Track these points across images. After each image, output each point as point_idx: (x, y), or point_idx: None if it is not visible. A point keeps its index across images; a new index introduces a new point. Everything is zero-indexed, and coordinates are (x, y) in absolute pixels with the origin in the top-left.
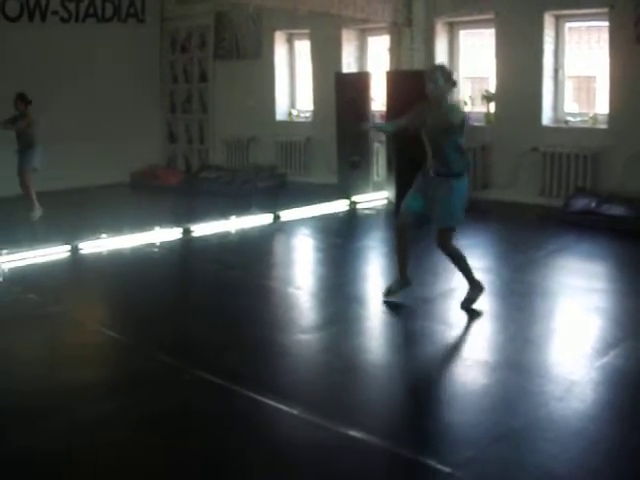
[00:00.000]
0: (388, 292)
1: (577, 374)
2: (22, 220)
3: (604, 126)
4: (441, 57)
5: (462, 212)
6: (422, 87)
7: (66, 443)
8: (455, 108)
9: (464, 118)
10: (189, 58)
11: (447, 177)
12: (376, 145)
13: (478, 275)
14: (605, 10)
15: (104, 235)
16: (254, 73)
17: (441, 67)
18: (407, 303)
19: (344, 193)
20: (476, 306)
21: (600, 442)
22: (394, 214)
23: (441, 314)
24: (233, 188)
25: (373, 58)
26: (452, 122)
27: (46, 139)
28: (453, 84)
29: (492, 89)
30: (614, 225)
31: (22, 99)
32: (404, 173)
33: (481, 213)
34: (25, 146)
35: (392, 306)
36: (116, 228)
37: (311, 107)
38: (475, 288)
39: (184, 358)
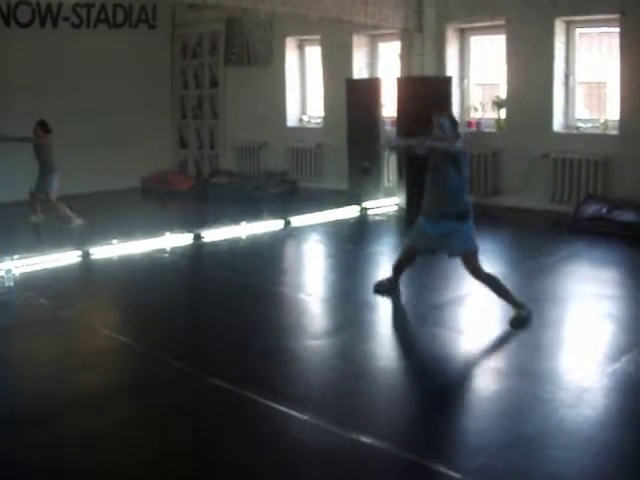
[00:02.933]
0: (378, 285)
1: (588, 381)
2: (34, 225)
3: (615, 132)
4: (452, 63)
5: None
6: (432, 93)
7: (77, 451)
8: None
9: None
10: (200, 64)
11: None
12: (387, 151)
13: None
14: (616, 16)
15: (115, 240)
16: (265, 79)
17: (449, 114)
18: (418, 309)
19: (355, 199)
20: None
21: (611, 449)
22: (404, 220)
23: (452, 320)
24: (244, 194)
25: (384, 64)
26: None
27: (57, 145)
28: (458, 135)
29: (503, 95)
30: (625, 231)
31: (42, 127)
32: (415, 179)
33: (492, 219)
34: (44, 170)
35: (403, 312)
36: (127, 233)
37: (322, 113)
38: (520, 308)
39: (195, 364)
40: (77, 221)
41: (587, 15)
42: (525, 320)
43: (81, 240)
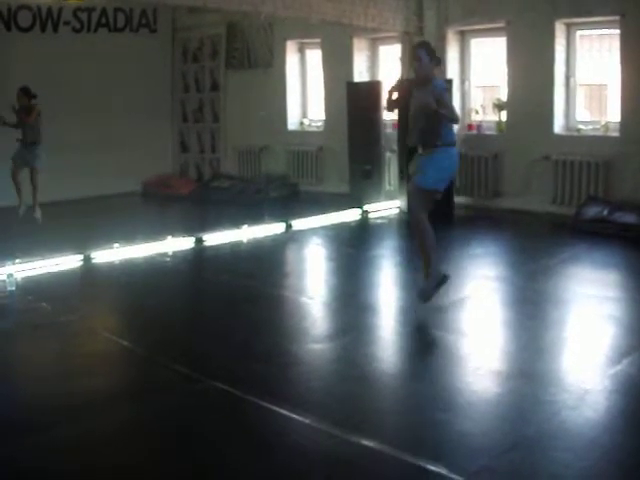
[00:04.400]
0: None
1: (590, 383)
2: (35, 229)
3: (616, 134)
4: (452, 66)
5: (440, 178)
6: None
7: (78, 454)
8: (439, 83)
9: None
10: (201, 67)
11: (431, 148)
12: (388, 154)
13: (490, 283)
14: (616, 18)
15: (116, 244)
16: (266, 82)
17: (426, 44)
18: (419, 312)
19: (356, 202)
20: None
21: (613, 451)
22: (406, 223)
23: (453, 323)
24: (245, 197)
25: (384, 67)
26: (439, 97)
27: (58, 149)
28: (438, 61)
29: (503, 97)
30: (626, 233)
31: (26, 93)
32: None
33: (493, 221)
34: (32, 141)
35: (404, 315)
36: (128, 237)
37: (323, 116)
38: (431, 280)
39: (196, 367)
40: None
41: (587, 17)
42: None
43: (84, 243)
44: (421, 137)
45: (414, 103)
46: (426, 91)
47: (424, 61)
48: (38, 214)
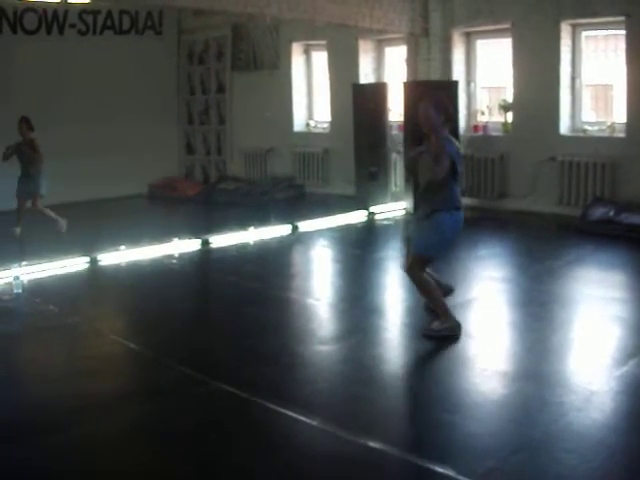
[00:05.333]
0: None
1: (597, 384)
2: (41, 232)
3: (622, 134)
4: (458, 67)
5: (440, 246)
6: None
7: (85, 455)
8: (449, 140)
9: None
10: (206, 70)
11: (435, 212)
12: (394, 156)
13: (497, 284)
14: (622, 18)
15: (123, 247)
16: (271, 84)
17: (436, 102)
18: (425, 313)
19: (362, 204)
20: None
21: (620, 452)
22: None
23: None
24: (251, 199)
25: (390, 69)
26: (445, 154)
27: (64, 152)
28: (447, 120)
29: (509, 98)
30: (632, 234)
31: (27, 123)
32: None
33: (499, 223)
34: (34, 173)
35: (411, 317)
36: (134, 240)
37: (329, 118)
38: (445, 322)
39: (202, 368)
40: (63, 224)
41: (592, 18)
42: (441, 336)
43: (90, 245)
44: (427, 200)
45: (422, 165)
46: (432, 154)
47: (432, 119)
48: (61, 225)
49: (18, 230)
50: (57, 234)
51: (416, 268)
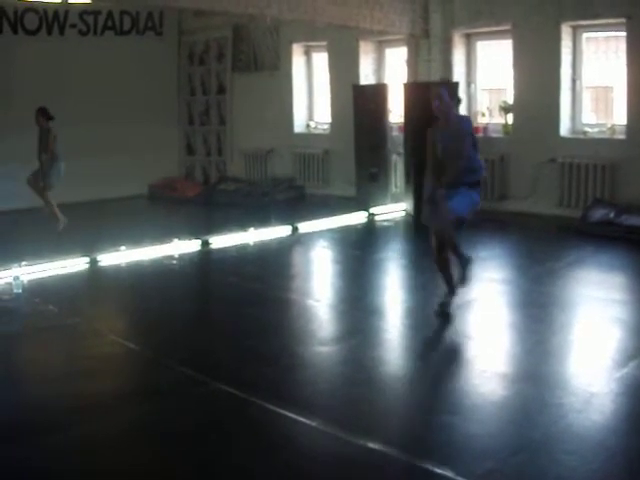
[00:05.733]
0: (442, 309)
1: (596, 386)
2: (41, 232)
3: (622, 136)
4: (458, 68)
5: (471, 207)
6: None
7: (85, 455)
8: (465, 118)
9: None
10: (207, 70)
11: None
12: (394, 157)
13: (496, 285)
14: (622, 20)
15: (123, 247)
16: (272, 85)
17: (446, 85)
18: (426, 315)
19: (362, 205)
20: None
21: (620, 454)
22: (412, 226)
23: (460, 326)
24: (251, 200)
25: (390, 70)
26: (464, 131)
27: (65, 152)
28: (458, 100)
29: (510, 100)
30: (633, 235)
31: (43, 114)
32: (422, 185)
33: (499, 224)
34: (44, 161)
35: (411, 318)
36: (135, 240)
37: (329, 119)
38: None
39: (202, 369)
40: (62, 223)
41: (593, 19)
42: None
43: (90, 245)
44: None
45: (442, 145)
46: (452, 133)
47: (445, 99)
48: (60, 225)
49: (61, 226)
50: (53, 231)
51: (452, 229)
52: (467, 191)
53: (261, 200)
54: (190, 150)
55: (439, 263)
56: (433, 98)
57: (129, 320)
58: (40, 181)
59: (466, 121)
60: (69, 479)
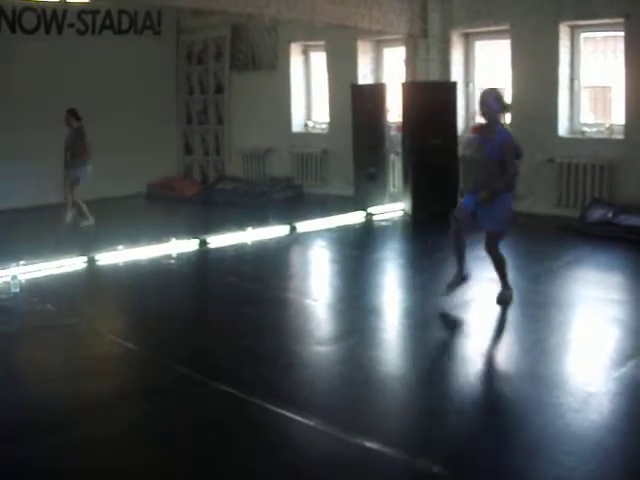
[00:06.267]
0: (449, 287)
1: (594, 385)
2: (40, 231)
3: (620, 136)
4: (457, 68)
5: (510, 220)
6: (437, 98)
7: (82, 458)
8: (505, 129)
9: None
10: (205, 70)
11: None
12: (392, 157)
13: (495, 285)
14: (621, 20)
15: (121, 246)
16: (270, 84)
17: (494, 90)
18: (424, 314)
19: (360, 204)
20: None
21: (618, 454)
22: (410, 226)
23: (458, 325)
24: (249, 199)
25: (389, 69)
26: (508, 147)
27: (62, 151)
28: (505, 106)
29: (508, 100)
30: (631, 235)
31: (73, 114)
32: (420, 184)
33: None
34: (76, 160)
35: (409, 317)
36: (133, 239)
37: (327, 119)
38: (507, 290)
39: (201, 369)
40: (89, 220)
41: (591, 19)
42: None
43: (88, 245)
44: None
45: (485, 155)
46: (493, 144)
47: (492, 106)
48: (69, 217)
49: (87, 221)
50: (61, 223)
51: (494, 243)
52: (505, 200)
53: (259, 199)
54: (188, 149)
55: (456, 244)
56: (481, 100)
57: (127, 320)
58: (67, 179)
59: (507, 133)
60: (69, 479)
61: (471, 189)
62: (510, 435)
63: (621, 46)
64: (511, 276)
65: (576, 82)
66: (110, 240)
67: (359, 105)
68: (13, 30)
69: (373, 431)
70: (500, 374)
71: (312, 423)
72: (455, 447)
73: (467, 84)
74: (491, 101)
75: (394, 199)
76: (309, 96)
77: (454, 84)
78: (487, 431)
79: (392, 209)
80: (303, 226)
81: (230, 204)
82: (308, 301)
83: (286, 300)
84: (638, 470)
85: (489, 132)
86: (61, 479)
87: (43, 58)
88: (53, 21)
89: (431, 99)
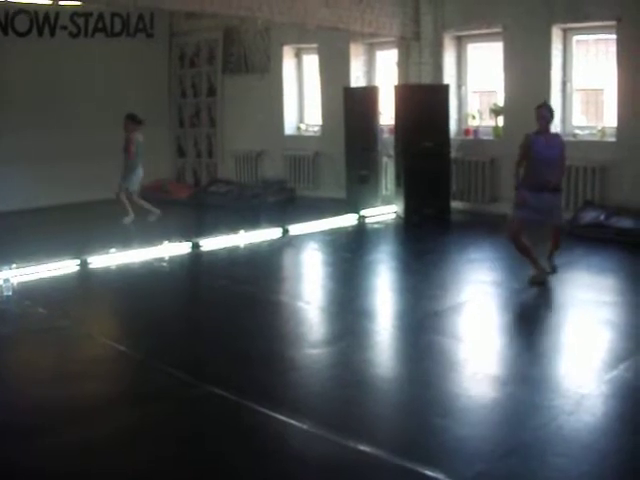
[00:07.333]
0: (534, 280)
1: (587, 388)
2: (31, 234)
3: (612, 139)
4: (449, 71)
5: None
6: (430, 100)
7: (75, 461)
8: (557, 135)
9: None
10: (198, 72)
11: (559, 190)
12: (385, 159)
13: (487, 288)
14: (613, 23)
15: (113, 249)
16: (262, 87)
17: (547, 105)
18: (416, 317)
19: (353, 207)
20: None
21: (610, 456)
22: (403, 228)
23: (451, 328)
24: (242, 202)
25: (381, 72)
26: (561, 145)
27: (55, 154)
28: (552, 116)
29: (500, 103)
30: (623, 237)
31: (132, 119)
32: (412, 187)
33: (490, 226)
34: (127, 166)
35: (402, 320)
36: (125, 242)
37: (319, 121)
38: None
39: (193, 372)
40: (154, 215)
41: (584, 22)
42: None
43: (80, 247)
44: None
45: (541, 150)
46: (553, 143)
47: (546, 119)
48: (152, 218)
49: (127, 219)
50: (124, 222)
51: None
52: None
53: (252, 202)
54: (181, 152)
55: (521, 250)
56: (538, 117)
57: (119, 323)
58: (121, 185)
59: (557, 136)
60: None
61: (534, 188)
62: (503, 437)
63: (613, 49)
64: (503, 278)
65: (568, 85)
66: (102, 243)
67: (352, 108)
68: (5, 32)
69: (366, 433)
70: (493, 377)
71: (305, 426)
72: (448, 450)
73: (459, 87)
74: (547, 114)
75: (386, 202)
76: (302, 99)
77: (446, 87)
78: (479, 433)
79: (384, 212)
80: (296, 229)
81: (223, 207)
82: (301, 304)
83: (279, 303)
84: (631, 471)
85: (543, 136)
86: None
87: (35, 60)
88: (45, 24)
89: (423, 102)
